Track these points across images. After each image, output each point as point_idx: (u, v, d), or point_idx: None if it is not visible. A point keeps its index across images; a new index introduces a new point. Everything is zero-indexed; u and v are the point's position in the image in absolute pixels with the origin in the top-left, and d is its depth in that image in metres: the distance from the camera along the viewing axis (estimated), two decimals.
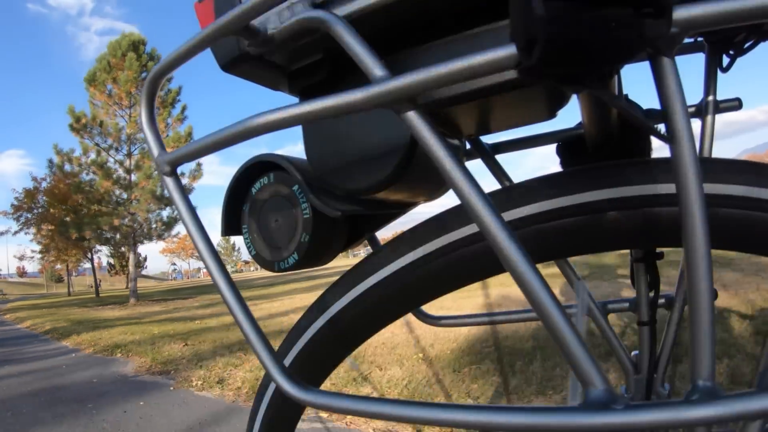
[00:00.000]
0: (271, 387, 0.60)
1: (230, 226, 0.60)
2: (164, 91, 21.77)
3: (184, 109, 22.57)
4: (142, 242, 22.96)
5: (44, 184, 23.88)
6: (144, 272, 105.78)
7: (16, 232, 26.41)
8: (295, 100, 0.55)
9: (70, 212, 21.86)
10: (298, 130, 0.51)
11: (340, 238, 0.59)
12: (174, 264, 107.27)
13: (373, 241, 0.68)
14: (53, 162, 22.05)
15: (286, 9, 0.42)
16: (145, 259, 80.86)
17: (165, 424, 3.34)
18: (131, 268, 22.80)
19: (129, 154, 22.08)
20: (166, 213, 22.78)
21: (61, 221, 22.36)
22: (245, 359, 5.02)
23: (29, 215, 25.42)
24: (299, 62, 0.51)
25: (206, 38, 0.40)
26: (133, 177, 21.74)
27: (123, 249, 27.47)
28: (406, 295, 0.50)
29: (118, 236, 21.93)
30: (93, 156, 21.73)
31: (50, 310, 17.09)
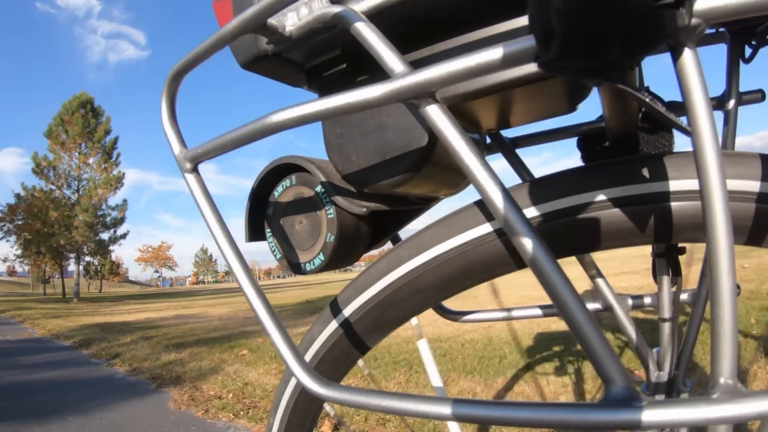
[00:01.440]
0: (292, 382, 0.61)
1: (255, 232, 0.60)
2: (105, 141, 31.36)
3: (118, 155, 32.59)
4: (82, 258, 33.02)
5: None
6: (131, 278, 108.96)
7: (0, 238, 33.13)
8: (315, 96, 0.55)
9: (33, 232, 29.66)
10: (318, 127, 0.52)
11: (365, 237, 0.59)
12: (157, 271, 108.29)
13: (397, 240, 0.68)
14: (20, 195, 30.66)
15: (303, 6, 0.42)
16: (118, 266, 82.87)
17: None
18: (75, 275, 31.69)
19: (77, 191, 31.13)
20: (106, 235, 32.50)
21: (26, 239, 30.62)
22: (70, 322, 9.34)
23: (10, 225, 31.63)
24: (317, 58, 0.51)
25: (225, 36, 0.40)
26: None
27: (91, 259, 37.64)
28: (427, 290, 0.50)
29: (64, 252, 30.94)
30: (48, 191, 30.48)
31: (9, 302, 23.53)
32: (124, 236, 33.62)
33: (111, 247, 33.16)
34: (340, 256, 0.55)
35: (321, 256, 0.54)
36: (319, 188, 0.54)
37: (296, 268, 0.56)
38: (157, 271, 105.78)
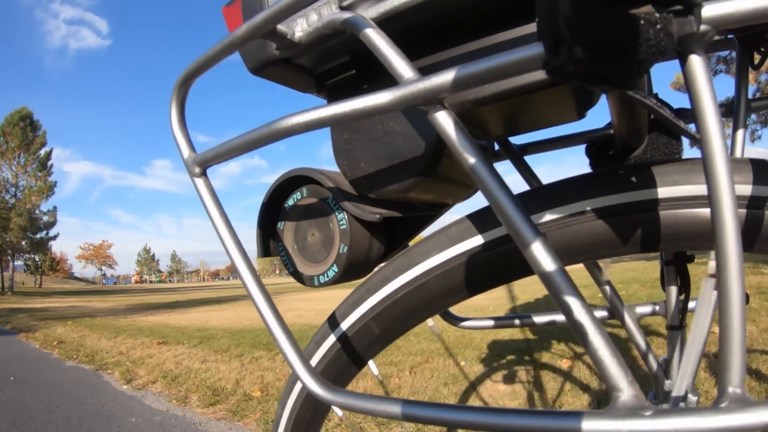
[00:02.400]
0: (298, 386, 0.61)
1: (268, 247, 0.60)
2: (41, 153, 37.50)
3: (51, 166, 38.17)
4: (19, 256, 41.25)
5: None
6: (76, 275, 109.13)
7: None
8: (324, 102, 0.55)
9: None
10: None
11: (378, 248, 0.58)
12: (100, 269, 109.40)
13: None
14: None
15: (313, 12, 0.43)
16: (58, 263, 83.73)
17: None
18: (10, 271, 38.55)
19: (15, 196, 36.53)
20: (39, 236, 38.44)
21: None
22: None
23: None
24: (326, 64, 0.51)
25: (234, 42, 0.41)
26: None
27: (29, 255, 45.30)
28: (434, 296, 0.50)
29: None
30: None
31: None
32: (54, 237, 40.56)
33: (43, 247, 40.27)
34: (353, 268, 0.54)
35: (335, 268, 0.53)
36: (330, 199, 0.54)
37: (309, 281, 0.56)
38: (100, 269, 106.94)
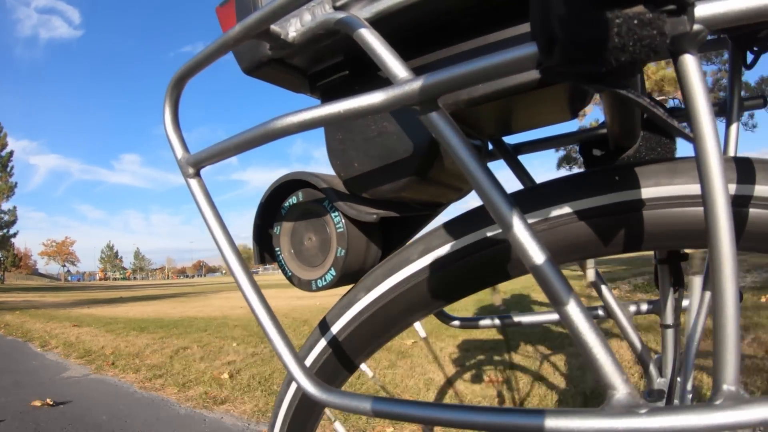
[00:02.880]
0: (293, 387, 0.60)
1: (264, 253, 0.59)
2: (2, 154, 40.47)
3: (12, 168, 41.07)
4: None
5: None
6: (41, 271, 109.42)
7: None
8: (317, 102, 0.55)
9: None
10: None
11: (375, 250, 0.58)
12: (64, 265, 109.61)
13: None
14: None
15: (307, 12, 0.43)
16: (20, 259, 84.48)
17: None
18: None
19: None
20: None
21: None
22: None
23: None
24: (320, 64, 0.51)
25: (228, 42, 0.40)
26: None
27: None
28: (428, 296, 0.50)
29: None
30: None
31: None
32: (14, 235, 46.16)
33: (4, 245, 43.57)
34: (351, 271, 0.54)
35: (332, 272, 0.53)
36: (326, 202, 0.53)
37: (306, 285, 0.55)
38: (63, 266, 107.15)
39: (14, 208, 43.91)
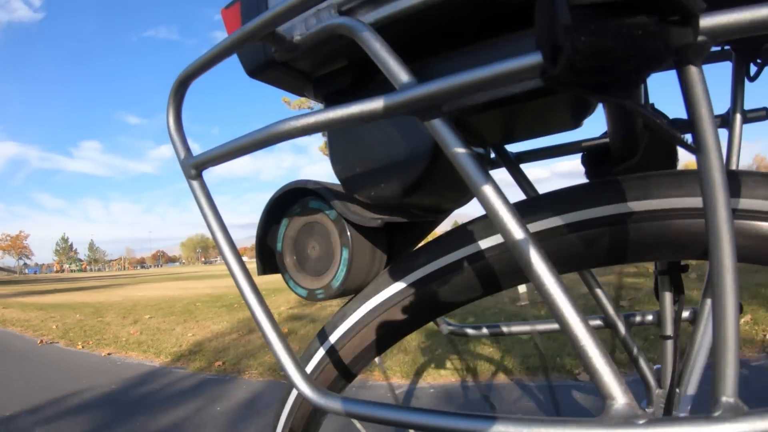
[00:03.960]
0: (294, 392, 0.60)
1: (267, 264, 0.58)
2: None
3: None
4: None
5: None
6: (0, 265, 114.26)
7: None
8: (321, 106, 0.55)
9: None
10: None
11: (379, 256, 0.58)
12: (21, 258, 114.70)
13: None
14: None
15: (312, 16, 0.43)
16: None
17: None
18: None
19: None
20: None
21: None
22: None
23: None
24: (324, 69, 0.51)
25: (233, 44, 0.41)
26: None
27: None
28: (429, 304, 0.50)
29: None
30: None
31: None
32: None
33: None
34: (356, 279, 0.53)
35: (338, 280, 0.52)
36: (329, 210, 0.53)
37: (312, 295, 0.54)
38: (20, 259, 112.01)
39: None
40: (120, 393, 3.52)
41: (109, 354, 4.95)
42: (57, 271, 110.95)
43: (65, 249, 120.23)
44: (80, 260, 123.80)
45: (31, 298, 13.74)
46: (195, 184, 0.46)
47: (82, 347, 5.37)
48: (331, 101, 0.54)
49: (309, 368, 0.57)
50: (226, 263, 0.45)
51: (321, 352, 0.57)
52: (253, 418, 2.80)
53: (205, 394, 3.36)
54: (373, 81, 0.50)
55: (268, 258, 0.58)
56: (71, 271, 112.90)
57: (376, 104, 0.33)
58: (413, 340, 4.19)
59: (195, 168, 0.45)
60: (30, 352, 5.27)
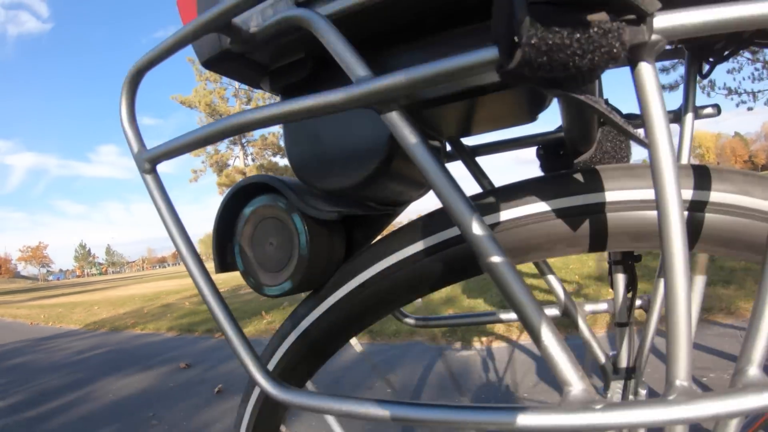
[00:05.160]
0: (257, 390, 0.60)
1: (225, 262, 0.57)
2: None
3: None
4: None
5: None
6: (23, 273, 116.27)
7: None
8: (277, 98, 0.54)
9: None
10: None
11: (338, 250, 0.57)
12: (44, 267, 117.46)
13: None
14: None
15: (268, 7, 0.42)
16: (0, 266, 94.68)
17: None
18: None
19: None
20: None
21: None
22: None
23: None
24: (281, 61, 0.51)
25: (188, 35, 0.40)
26: None
27: None
28: (387, 297, 0.50)
29: None
30: None
31: None
32: None
33: None
34: (315, 273, 0.52)
35: (296, 275, 0.51)
36: (286, 204, 0.52)
37: (270, 290, 0.53)
38: (44, 267, 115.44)
39: None
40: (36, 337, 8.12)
41: (56, 325, 9.72)
42: (78, 276, 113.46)
43: (84, 255, 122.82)
44: (101, 264, 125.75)
45: (40, 302, 18.65)
46: (149, 178, 0.45)
47: (48, 324, 9.98)
48: (288, 94, 0.53)
49: (271, 364, 0.57)
50: (182, 259, 0.44)
51: (282, 348, 0.56)
52: None
53: (76, 342, 6.98)
54: (330, 74, 0.49)
55: (225, 255, 0.57)
56: (91, 275, 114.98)
57: (332, 97, 0.33)
58: None
59: (149, 162, 0.44)
60: (21, 327, 10.13)
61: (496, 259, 0.31)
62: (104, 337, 7.10)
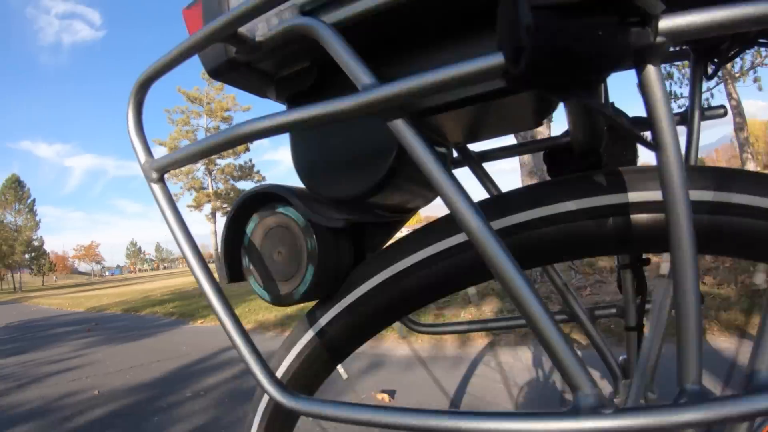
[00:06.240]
0: (265, 398, 0.59)
1: (234, 272, 0.56)
2: (28, 202, 64.74)
3: (35, 210, 64.82)
4: (24, 268, 74.07)
5: None
6: (81, 269, 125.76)
7: None
8: (283, 107, 0.55)
9: None
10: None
11: (347, 257, 0.56)
12: (99, 263, 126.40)
13: None
14: None
15: (274, 16, 0.42)
16: (55, 265, 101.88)
17: None
18: (18, 277, 66.98)
19: (18, 230, 61.83)
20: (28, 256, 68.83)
21: None
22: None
23: None
24: (287, 69, 0.51)
25: (194, 45, 0.40)
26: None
27: (31, 265, 76.38)
28: (395, 304, 0.50)
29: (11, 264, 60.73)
30: None
31: None
32: (42, 255, 75.00)
33: (37, 260, 73.76)
34: (324, 280, 0.52)
35: (306, 283, 0.50)
36: (294, 212, 0.51)
37: (278, 299, 0.53)
38: (98, 263, 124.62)
39: (40, 237, 71.57)
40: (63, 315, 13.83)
41: (86, 310, 14.38)
42: (131, 272, 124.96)
43: (134, 252, 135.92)
44: (152, 260, 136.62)
45: (75, 294, 24.75)
46: (156, 188, 0.45)
47: (70, 309, 14.37)
48: (294, 102, 0.53)
49: (280, 372, 0.56)
50: (190, 267, 0.44)
51: (291, 356, 0.56)
52: None
53: (66, 317, 12.85)
54: (336, 82, 0.49)
55: (234, 265, 0.56)
56: (143, 270, 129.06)
57: (338, 105, 0.33)
58: None
59: (157, 171, 0.44)
60: (51, 312, 14.56)
61: (504, 264, 0.31)
62: (84, 315, 12.82)
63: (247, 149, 22.96)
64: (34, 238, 67.57)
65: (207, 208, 22.56)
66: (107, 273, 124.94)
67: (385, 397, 2.94)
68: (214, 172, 22.99)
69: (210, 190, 22.82)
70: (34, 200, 64.83)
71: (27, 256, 67.42)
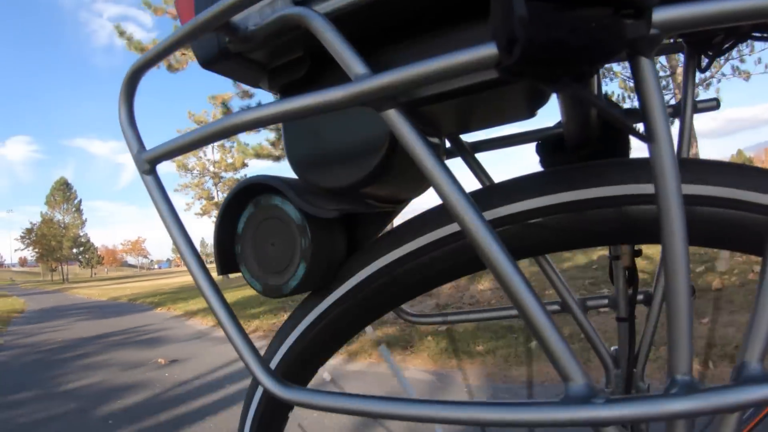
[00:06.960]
0: (260, 389, 0.60)
1: (226, 264, 0.56)
2: (75, 202, 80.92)
3: (82, 210, 78.73)
4: (73, 260, 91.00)
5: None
6: (131, 263, 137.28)
7: (23, 249, 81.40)
8: (276, 97, 0.54)
9: (43, 249, 75.24)
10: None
11: (340, 248, 0.56)
12: (145, 257, 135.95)
13: None
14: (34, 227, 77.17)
15: (267, 6, 0.42)
16: (102, 258, 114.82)
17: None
18: (66, 268, 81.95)
19: (65, 227, 76.18)
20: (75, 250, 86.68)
21: (40, 253, 76.24)
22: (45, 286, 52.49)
23: (29, 241, 75.97)
24: (280, 59, 0.51)
25: (186, 35, 0.40)
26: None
27: (78, 258, 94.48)
28: (388, 294, 0.50)
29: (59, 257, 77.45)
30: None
31: (34, 283, 68.38)
32: (88, 249, 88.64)
33: (84, 254, 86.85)
34: (317, 273, 0.52)
35: (299, 275, 0.50)
36: (288, 205, 0.51)
37: (276, 291, 0.52)
38: (146, 257, 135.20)
39: (86, 234, 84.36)
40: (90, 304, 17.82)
41: (97, 298, 19.61)
42: (177, 266, 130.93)
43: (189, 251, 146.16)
44: None
45: (112, 285, 26.41)
46: (149, 179, 0.45)
47: (96, 299, 18.71)
48: (287, 93, 0.53)
49: (274, 363, 0.57)
50: (183, 259, 0.44)
51: (284, 346, 0.56)
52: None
53: (105, 308, 14.80)
54: (329, 72, 0.49)
55: (227, 257, 0.56)
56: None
57: (331, 95, 0.33)
58: None
59: (149, 162, 0.44)
60: (79, 300, 19.37)
61: (496, 254, 0.31)
62: (99, 303, 15.42)
63: (245, 165, 28.25)
64: (81, 234, 78.64)
65: (214, 214, 27.96)
66: (156, 266, 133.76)
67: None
68: (219, 185, 29.28)
69: (216, 199, 28.19)
70: (80, 200, 75.89)
71: (75, 250, 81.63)
